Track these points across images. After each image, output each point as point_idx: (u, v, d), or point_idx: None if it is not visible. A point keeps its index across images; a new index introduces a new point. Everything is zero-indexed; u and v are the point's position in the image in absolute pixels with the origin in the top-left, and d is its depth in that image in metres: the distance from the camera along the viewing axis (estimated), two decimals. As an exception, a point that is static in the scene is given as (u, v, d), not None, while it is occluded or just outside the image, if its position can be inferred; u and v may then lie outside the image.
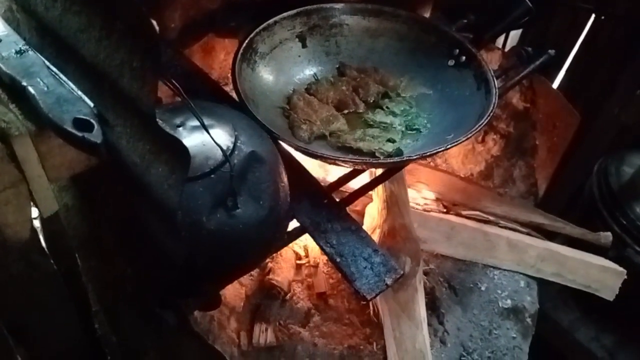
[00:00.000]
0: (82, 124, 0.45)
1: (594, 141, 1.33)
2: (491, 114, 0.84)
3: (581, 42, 1.32)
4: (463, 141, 0.82)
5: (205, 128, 0.63)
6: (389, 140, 0.90)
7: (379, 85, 0.99)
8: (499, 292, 1.15)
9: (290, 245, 1.04)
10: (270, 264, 1.07)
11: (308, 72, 1.00)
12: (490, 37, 1.06)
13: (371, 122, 0.94)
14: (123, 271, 0.75)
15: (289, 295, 1.06)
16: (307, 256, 1.12)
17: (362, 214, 1.14)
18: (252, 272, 1.06)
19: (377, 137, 0.91)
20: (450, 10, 1.14)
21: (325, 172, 1.04)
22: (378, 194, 1.09)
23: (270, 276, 1.04)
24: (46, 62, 0.54)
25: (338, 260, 0.75)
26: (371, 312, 1.06)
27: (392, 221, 1.03)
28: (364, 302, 1.05)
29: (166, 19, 0.95)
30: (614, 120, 1.32)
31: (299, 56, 1.00)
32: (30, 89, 0.48)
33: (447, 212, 1.17)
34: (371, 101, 0.97)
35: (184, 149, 0.44)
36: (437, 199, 1.19)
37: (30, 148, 0.53)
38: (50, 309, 0.76)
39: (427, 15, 1.19)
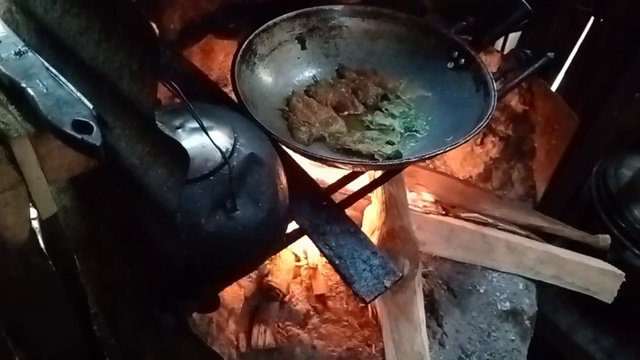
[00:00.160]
0: (81, 126, 0.45)
1: (593, 143, 1.33)
2: (490, 116, 0.84)
3: (580, 44, 1.32)
4: (462, 144, 0.82)
5: (204, 130, 0.63)
6: (388, 143, 0.90)
7: (378, 88, 0.99)
8: (498, 294, 1.15)
9: (289, 247, 1.04)
10: (269, 266, 1.07)
11: (307, 73, 1.00)
12: (489, 39, 1.06)
13: (370, 124, 0.94)
14: (122, 273, 0.74)
15: (287, 297, 1.06)
16: (305, 258, 1.12)
17: (361, 216, 1.13)
18: (250, 274, 1.06)
19: (376, 139, 0.91)
20: (449, 12, 1.14)
21: (324, 173, 1.03)
22: (377, 196, 1.09)
23: (269, 278, 1.04)
24: (45, 63, 0.54)
25: (337, 262, 0.75)
26: (370, 314, 1.06)
27: (391, 223, 1.03)
28: (363, 305, 1.05)
29: (165, 20, 0.95)
30: (612, 123, 1.32)
31: (298, 58, 1.00)
32: (30, 90, 0.48)
33: (446, 215, 1.17)
34: (370, 103, 0.97)
35: (183, 151, 0.44)
36: (436, 201, 1.19)
37: (29, 150, 0.53)
38: (50, 311, 0.76)
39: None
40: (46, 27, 0.50)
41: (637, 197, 1.36)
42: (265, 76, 0.95)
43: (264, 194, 0.68)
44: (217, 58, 1.11)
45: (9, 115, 0.53)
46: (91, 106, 0.50)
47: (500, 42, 1.34)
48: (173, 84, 0.59)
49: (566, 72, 1.36)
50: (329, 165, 0.84)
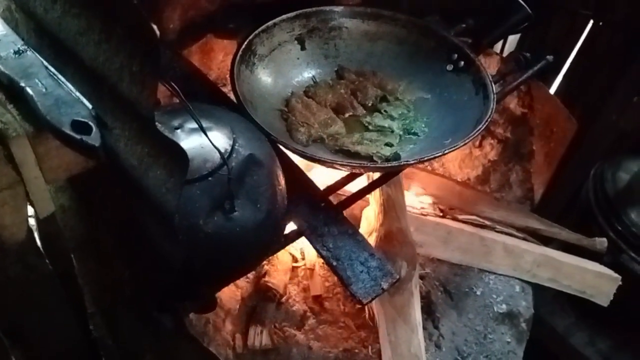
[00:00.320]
0: (81, 127, 0.45)
1: (591, 147, 1.33)
2: (489, 119, 0.85)
3: (579, 47, 1.33)
4: (461, 146, 0.82)
5: (203, 131, 0.63)
6: (386, 144, 0.90)
7: (377, 89, 0.99)
8: (495, 296, 1.16)
9: (287, 247, 1.04)
10: (266, 267, 1.07)
11: (307, 74, 1.00)
12: (488, 42, 1.06)
13: (369, 126, 0.94)
14: (122, 274, 0.74)
15: (284, 297, 1.06)
16: (303, 259, 1.12)
17: (359, 217, 1.13)
18: (248, 275, 1.06)
19: (375, 140, 0.91)
20: (449, 14, 1.14)
21: (322, 174, 1.03)
22: (375, 198, 1.09)
23: (266, 278, 1.04)
24: (45, 62, 0.54)
25: (334, 264, 0.75)
26: (366, 315, 1.06)
27: (389, 225, 1.03)
28: (360, 306, 1.05)
29: (165, 19, 0.95)
30: (611, 126, 1.32)
31: (298, 59, 1.00)
32: (29, 90, 0.48)
33: (443, 216, 1.17)
34: (369, 105, 0.97)
35: (182, 152, 0.44)
36: (434, 203, 1.19)
37: (28, 149, 0.53)
38: (48, 311, 0.76)
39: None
40: (46, 26, 0.50)
41: (635, 201, 1.36)
42: (264, 77, 0.95)
43: (263, 195, 0.68)
44: (216, 58, 1.11)
45: (8, 115, 0.53)
46: (90, 106, 0.50)
47: (499, 44, 1.34)
48: (173, 84, 0.59)
49: (565, 75, 1.36)
50: (328, 167, 0.84)
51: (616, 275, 1.19)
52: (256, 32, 0.94)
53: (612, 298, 1.19)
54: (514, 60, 1.09)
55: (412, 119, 0.96)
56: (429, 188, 1.20)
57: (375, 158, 0.87)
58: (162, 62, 0.38)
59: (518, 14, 1.00)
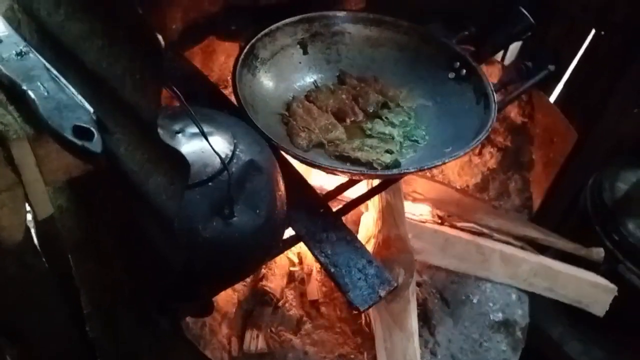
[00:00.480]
0: (82, 132, 0.45)
1: (589, 156, 1.33)
2: (489, 129, 0.85)
3: (580, 56, 1.33)
4: (461, 156, 0.82)
5: (204, 136, 0.63)
6: (387, 151, 0.90)
7: (378, 95, 0.99)
8: (491, 304, 1.16)
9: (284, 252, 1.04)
10: (263, 270, 1.06)
11: (308, 79, 1.00)
12: (491, 51, 1.06)
13: (370, 132, 0.94)
14: (121, 274, 0.74)
15: (281, 302, 1.06)
16: (300, 263, 1.12)
17: (357, 222, 1.13)
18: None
19: (375, 147, 0.91)
20: (451, 21, 1.14)
21: (322, 179, 1.03)
22: (374, 204, 1.09)
23: (263, 282, 1.04)
24: (47, 64, 0.54)
25: (332, 270, 0.75)
26: (363, 321, 1.05)
27: (387, 232, 1.03)
28: (357, 313, 1.05)
29: (167, 20, 0.95)
30: (609, 136, 1.32)
31: (300, 63, 1.00)
32: (31, 93, 0.48)
33: (442, 224, 1.17)
34: (370, 111, 0.97)
35: (183, 160, 0.43)
36: (432, 210, 1.19)
37: (28, 151, 0.53)
38: (45, 311, 0.76)
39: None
40: (49, 29, 0.49)
41: (632, 211, 1.36)
42: (266, 80, 0.94)
43: (262, 200, 0.68)
44: (218, 59, 1.11)
45: (9, 116, 0.52)
46: (92, 110, 0.50)
47: (500, 52, 1.34)
48: (174, 88, 0.59)
49: (565, 83, 1.37)
50: (328, 173, 0.84)
51: (612, 285, 1.19)
52: (259, 35, 0.94)
53: (607, 308, 1.20)
54: (516, 69, 1.09)
55: (413, 126, 0.96)
56: (427, 195, 1.19)
57: (375, 165, 0.87)
58: (165, 69, 0.38)
59: (521, 23, 1.00)
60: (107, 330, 0.83)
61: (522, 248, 1.21)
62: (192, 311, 0.76)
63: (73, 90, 0.52)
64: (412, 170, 0.82)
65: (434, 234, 1.12)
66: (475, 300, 1.15)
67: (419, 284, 1.11)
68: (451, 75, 0.98)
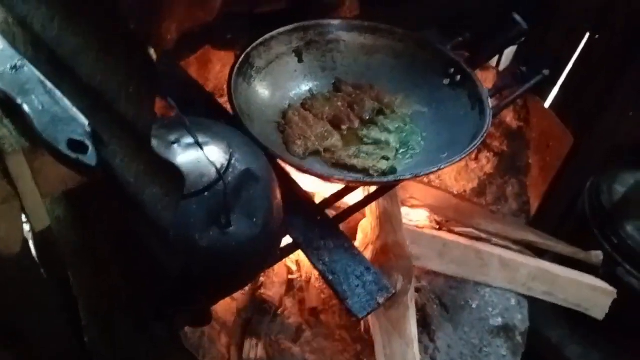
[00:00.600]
0: (77, 145, 0.45)
1: (587, 159, 1.34)
2: (484, 135, 0.85)
3: (575, 59, 1.33)
4: (456, 162, 0.83)
5: (200, 146, 0.63)
6: (383, 158, 0.90)
7: (374, 102, 0.99)
8: (490, 309, 1.16)
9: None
10: (262, 279, 1.06)
11: (304, 87, 1.00)
12: (485, 57, 1.06)
13: (366, 139, 0.94)
14: (118, 281, 0.74)
15: (280, 310, 1.06)
16: (299, 271, 1.12)
17: (355, 229, 1.13)
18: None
19: (371, 154, 0.91)
20: (446, 28, 1.15)
21: (319, 187, 1.04)
22: (371, 210, 1.09)
23: (262, 291, 1.04)
24: (41, 77, 0.54)
25: (330, 278, 0.75)
26: (362, 328, 1.05)
27: (385, 238, 1.03)
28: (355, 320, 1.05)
29: (163, 30, 0.95)
30: (606, 139, 1.33)
31: (295, 71, 1.00)
32: (25, 107, 0.48)
33: (440, 229, 1.17)
34: (366, 118, 0.98)
35: (178, 173, 0.44)
36: (430, 216, 1.19)
37: (24, 164, 0.53)
38: (43, 316, 0.76)
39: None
40: (43, 42, 0.50)
41: (630, 214, 1.37)
42: (261, 89, 0.95)
43: (259, 209, 0.68)
44: (214, 68, 1.11)
45: (4, 129, 0.52)
46: (87, 122, 0.50)
47: (495, 57, 1.35)
48: (170, 100, 0.59)
49: (561, 87, 1.37)
50: (324, 181, 0.84)
51: (611, 288, 1.19)
52: (254, 45, 0.94)
53: (607, 312, 1.20)
54: (511, 74, 1.09)
55: (409, 132, 0.96)
56: (425, 200, 1.20)
57: (371, 172, 0.87)
58: (159, 82, 0.38)
59: (514, 29, 1.00)
60: (104, 337, 0.83)
61: (520, 252, 1.21)
62: (190, 320, 0.76)
63: (68, 102, 0.52)
64: (409, 176, 0.82)
65: (432, 239, 1.13)
66: (474, 306, 1.15)
67: (417, 290, 1.11)
68: (446, 81, 0.99)
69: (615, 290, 1.19)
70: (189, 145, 0.66)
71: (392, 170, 0.88)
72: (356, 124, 0.97)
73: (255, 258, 0.70)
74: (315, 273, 1.10)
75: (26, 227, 0.67)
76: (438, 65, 0.99)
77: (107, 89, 0.43)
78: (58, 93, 0.52)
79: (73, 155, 0.44)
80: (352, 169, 0.88)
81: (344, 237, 0.79)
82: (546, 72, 1.06)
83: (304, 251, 0.77)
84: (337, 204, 0.91)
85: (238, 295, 1.06)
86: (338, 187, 0.88)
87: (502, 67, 1.32)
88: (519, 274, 1.16)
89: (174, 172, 0.44)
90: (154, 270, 0.61)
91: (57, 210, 0.69)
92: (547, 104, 1.37)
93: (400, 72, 1.02)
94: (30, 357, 0.75)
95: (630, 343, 1.39)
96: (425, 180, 1.30)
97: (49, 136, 0.45)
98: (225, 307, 1.02)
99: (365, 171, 0.87)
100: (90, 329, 0.81)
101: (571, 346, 1.43)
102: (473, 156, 1.32)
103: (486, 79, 1.22)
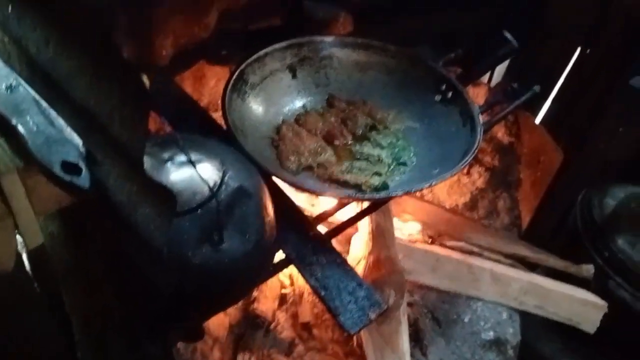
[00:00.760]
0: (71, 167, 0.45)
1: (578, 173, 1.35)
2: (475, 151, 0.86)
3: (566, 74, 1.35)
4: (447, 178, 0.83)
5: (192, 164, 0.64)
6: (375, 173, 0.91)
7: (367, 118, 1.00)
8: (482, 323, 1.16)
9: (276, 273, 1.04)
10: (254, 293, 1.06)
11: (298, 103, 1.01)
12: (476, 75, 1.08)
13: (358, 155, 0.95)
14: (111, 299, 0.74)
15: (273, 324, 1.06)
16: (292, 285, 1.12)
17: (348, 242, 1.14)
18: (236, 301, 1.06)
19: (363, 169, 0.92)
20: (438, 44, 1.16)
21: (312, 202, 1.04)
22: (364, 225, 1.09)
23: (255, 305, 1.04)
24: (36, 96, 0.55)
25: (323, 293, 0.75)
26: (355, 343, 1.06)
27: (378, 253, 1.03)
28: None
29: (158, 46, 0.96)
30: (598, 154, 1.34)
31: (289, 87, 1.01)
32: (20, 127, 0.49)
33: (432, 243, 1.18)
34: (359, 133, 0.98)
35: (170, 195, 0.44)
36: (422, 230, 1.20)
37: (17, 183, 0.53)
38: (37, 333, 0.76)
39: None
40: (38, 64, 0.50)
41: (621, 227, 1.38)
42: (255, 105, 0.96)
43: (251, 226, 0.68)
44: (208, 83, 1.12)
45: (-1, 149, 0.53)
46: (81, 143, 0.51)
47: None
48: (164, 120, 0.60)
49: (553, 101, 1.39)
50: (317, 196, 0.85)
51: (602, 302, 1.20)
52: (248, 61, 0.95)
53: (598, 325, 1.20)
54: (502, 90, 1.11)
55: (401, 148, 0.97)
56: (417, 214, 1.21)
57: (364, 187, 0.88)
58: (153, 108, 0.39)
59: (505, 47, 1.02)
60: (97, 355, 0.83)
61: (512, 266, 1.22)
62: (183, 336, 0.76)
63: (62, 122, 0.52)
64: (400, 193, 0.83)
65: (425, 253, 1.13)
66: (466, 320, 1.16)
67: (410, 304, 1.11)
68: (438, 97, 1.00)
69: (606, 304, 1.19)
70: (182, 163, 0.66)
71: (384, 186, 0.89)
72: (349, 139, 0.98)
73: (248, 274, 0.70)
74: (308, 287, 1.10)
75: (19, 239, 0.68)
76: (430, 82, 1.01)
77: (101, 112, 0.43)
78: (52, 113, 0.53)
79: (67, 178, 0.44)
80: (344, 184, 0.89)
81: (336, 253, 0.79)
82: (537, 88, 1.07)
83: (296, 267, 0.78)
84: (330, 218, 0.92)
85: (231, 309, 1.06)
86: (331, 202, 0.89)
87: (493, 82, 1.34)
88: (511, 288, 1.17)
89: (166, 194, 0.44)
90: (147, 289, 0.61)
91: (50, 227, 0.70)
92: (538, 119, 1.38)
93: (393, 88, 1.04)
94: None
95: (621, 356, 1.39)
96: (418, 194, 1.31)
97: (43, 158, 0.46)
98: (218, 322, 1.02)
99: (357, 187, 0.88)
100: (83, 347, 0.81)
101: None
102: (465, 171, 1.33)
103: (478, 95, 1.23)
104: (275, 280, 1.10)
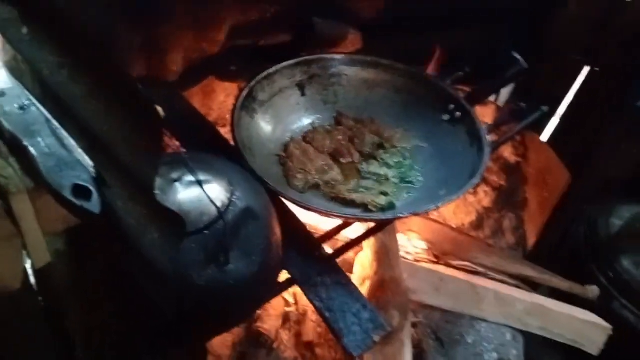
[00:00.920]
0: (81, 191, 0.45)
1: (583, 192, 1.34)
2: (481, 173, 0.86)
3: (572, 93, 1.35)
4: (454, 200, 0.83)
5: (201, 186, 0.64)
6: (382, 193, 0.91)
7: (374, 136, 1.00)
8: (486, 344, 1.15)
9: (279, 291, 1.04)
10: (258, 312, 1.06)
11: (306, 120, 1.02)
12: (484, 94, 1.08)
13: (365, 173, 0.95)
14: (111, 316, 0.74)
15: (276, 343, 1.05)
16: (295, 303, 1.12)
17: (352, 261, 1.14)
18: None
19: (370, 189, 0.92)
20: (446, 63, 1.17)
21: (318, 220, 1.04)
22: (369, 245, 1.09)
23: (258, 324, 1.04)
24: (48, 115, 0.55)
25: (327, 315, 0.75)
26: (358, 363, 1.05)
27: (382, 273, 1.03)
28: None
29: (168, 62, 0.97)
30: (602, 173, 1.34)
31: (298, 104, 1.02)
32: (32, 149, 0.49)
33: (437, 262, 1.17)
34: (366, 152, 0.98)
35: (179, 220, 0.44)
36: (427, 248, 1.19)
37: (27, 204, 0.54)
38: (38, 347, 0.76)
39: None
40: (51, 86, 0.51)
41: (626, 248, 1.37)
42: (264, 123, 0.96)
43: (257, 247, 0.68)
44: (217, 98, 1.13)
45: (9, 169, 0.53)
46: (92, 165, 0.51)
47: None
48: (173, 135, 0.60)
49: (559, 120, 1.39)
50: (323, 216, 0.84)
51: (607, 324, 1.19)
52: (257, 78, 0.95)
53: (602, 348, 1.19)
54: (510, 110, 1.10)
55: (408, 167, 0.97)
56: (423, 233, 1.20)
57: (370, 207, 0.87)
58: (163, 136, 0.39)
59: (514, 67, 1.02)
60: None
61: (516, 287, 1.21)
62: (185, 357, 0.76)
63: (73, 143, 0.53)
64: (407, 214, 0.83)
65: (429, 273, 1.13)
66: (470, 340, 1.15)
67: (414, 325, 1.10)
68: (446, 117, 1.00)
69: (610, 327, 1.18)
70: (190, 184, 0.66)
71: (391, 206, 0.88)
72: (356, 157, 0.97)
73: (253, 296, 0.70)
74: (312, 306, 1.09)
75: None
76: (438, 101, 1.01)
77: (113, 137, 0.43)
78: (64, 133, 0.53)
79: (77, 203, 0.44)
80: (351, 203, 0.88)
81: (341, 274, 0.79)
82: (545, 108, 1.07)
83: (301, 287, 0.78)
84: (336, 237, 0.92)
85: (234, 329, 1.05)
86: (337, 221, 0.89)
87: (501, 101, 1.34)
88: (515, 309, 1.16)
89: (175, 219, 0.44)
90: (150, 309, 0.61)
91: (57, 244, 0.70)
92: (544, 136, 1.38)
93: (401, 107, 1.04)
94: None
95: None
96: (424, 212, 1.31)
97: (54, 181, 0.46)
98: (221, 341, 1.01)
99: (364, 206, 0.88)
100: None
101: (567, 380, 1.42)
102: (471, 190, 1.33)
103: (485, 114, 1.23)
104: (279, 298, 1.10)
